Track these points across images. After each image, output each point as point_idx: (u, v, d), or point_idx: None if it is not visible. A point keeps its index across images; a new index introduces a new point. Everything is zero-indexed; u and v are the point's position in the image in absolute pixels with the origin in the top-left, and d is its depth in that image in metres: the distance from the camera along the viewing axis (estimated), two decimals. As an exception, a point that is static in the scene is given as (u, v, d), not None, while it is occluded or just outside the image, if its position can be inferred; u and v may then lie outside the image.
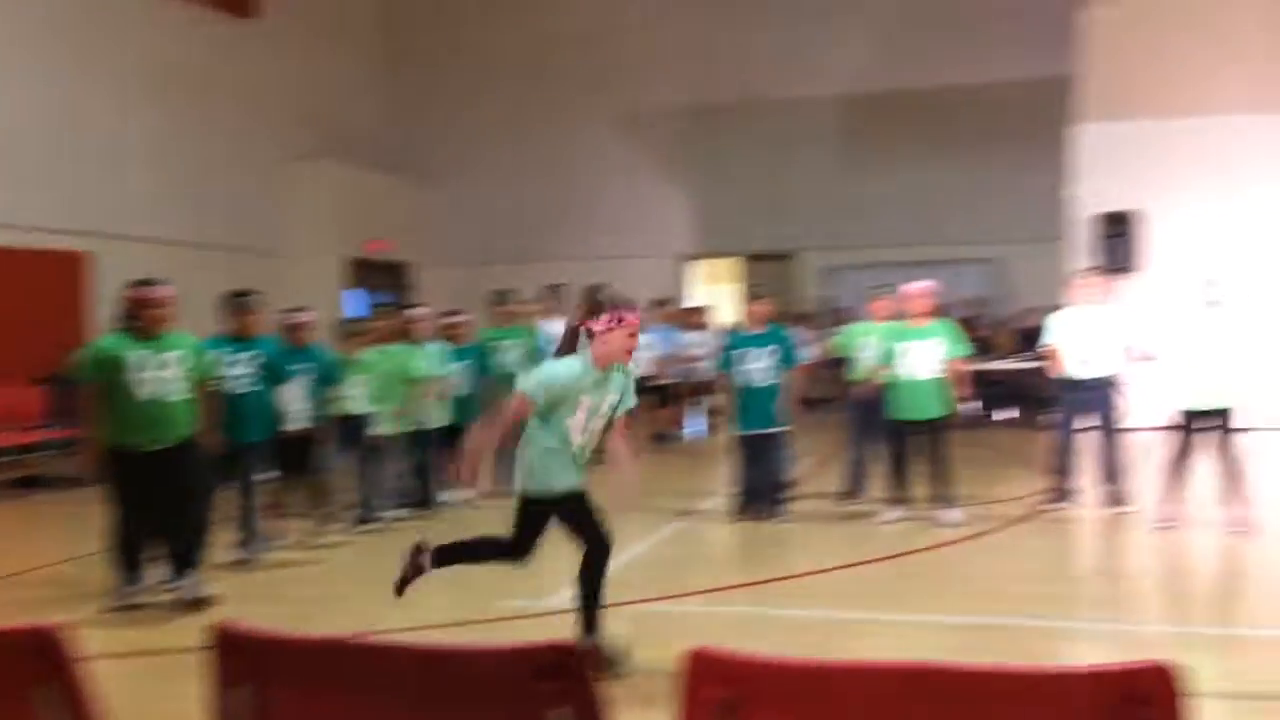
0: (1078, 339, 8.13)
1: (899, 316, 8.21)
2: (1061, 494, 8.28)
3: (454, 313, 9.88)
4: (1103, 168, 13.45)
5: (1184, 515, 7.55)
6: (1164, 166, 13.28)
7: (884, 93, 18.11)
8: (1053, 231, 14.56)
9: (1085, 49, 13.42)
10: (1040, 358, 8.63)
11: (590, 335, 4.71)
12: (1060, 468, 8.29)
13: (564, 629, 4.78)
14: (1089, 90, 13.52)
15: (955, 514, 7.88)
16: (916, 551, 7.22)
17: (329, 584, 6.94)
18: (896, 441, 8.09)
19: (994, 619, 5.69)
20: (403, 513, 8.64)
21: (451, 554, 5.00)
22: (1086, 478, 8.38)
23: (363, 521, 8.31)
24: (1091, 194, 13.49)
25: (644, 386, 12.39)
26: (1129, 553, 7.48)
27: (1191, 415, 7.49)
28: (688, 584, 6.51)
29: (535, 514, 4.80)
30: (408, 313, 9.43)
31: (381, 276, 18.48)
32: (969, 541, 7.47)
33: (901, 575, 6.77)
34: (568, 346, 4.79)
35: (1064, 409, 8.29)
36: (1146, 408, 8.94)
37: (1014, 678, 1.68)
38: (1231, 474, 7.42)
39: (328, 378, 7.95)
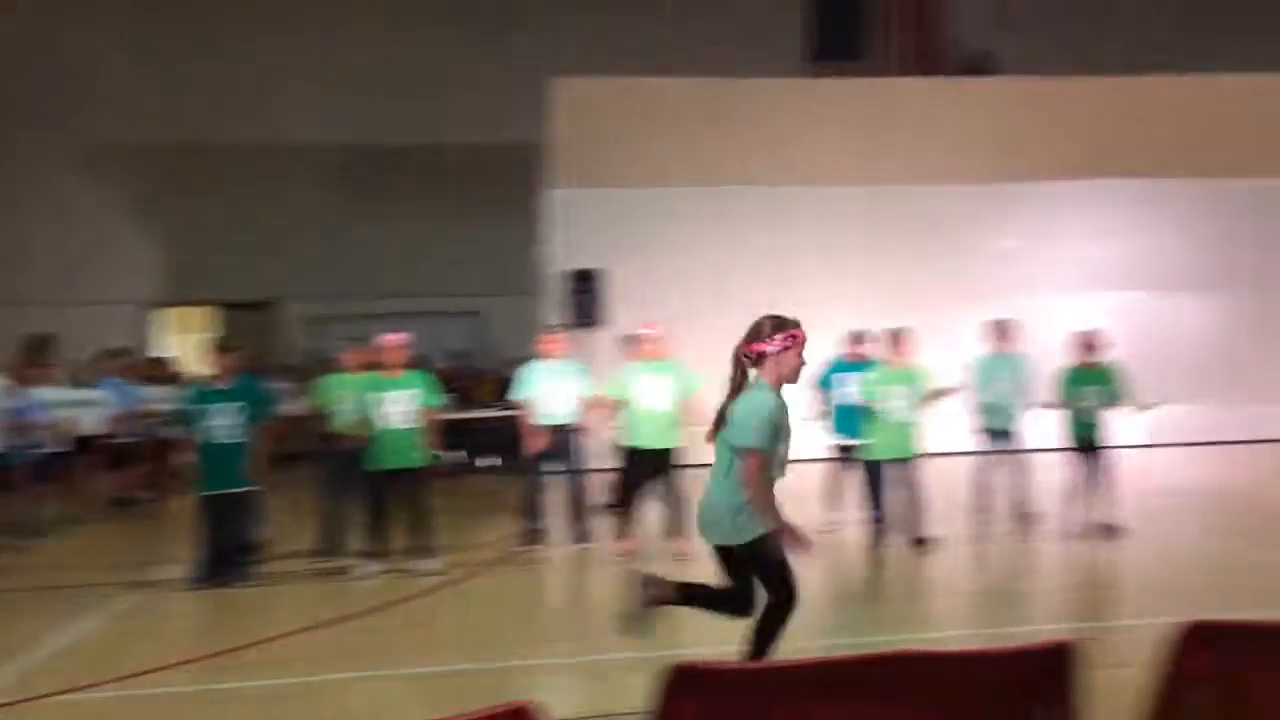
0: (544, 391, 8.60)
1: (374, 367, 8.15)
2: (533, 535, 8.65)
3: None
4: (572, 229, 14.49)
5: (637, 547, 8.22)
6: (623, 230, 14.59)
7: (374, 145, 18.14)
8: (531, 286, 15.37)
9: (554, 119, 14.42)
10: (515, 408, 8.97)
11: (760, 358, 4.57)
12: (531, 510, 8.67)
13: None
14: (560, 157, 14.53)
15: (434, 563, 7.92)
16: (395, 603, 7.12)
17: None
18: (375, 493, 7.97)
19: (471, 665, 5.75)
20: None
21: (692, 595, 4.88)
22: (556, 518, 8.84)
23: None
24: (562, 253, 14.46)
25: (97, 446, 11.23)
26: (594, 587, 7.97)
27: (638, 453, 8.21)
28: (139, 663, 5.84)
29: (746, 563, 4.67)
30: None
31: None
32: (447, 589, 7.53)
33: (379, 630, 6.63)
34: (740, 375, 4.62)
35: (533, 455, 8.69)
36: (607, 451, 9.65)
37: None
38: (675, 508, 8.22)
39: None
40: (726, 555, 4.74)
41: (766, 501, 4.55)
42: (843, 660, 1.72)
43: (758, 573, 4.67)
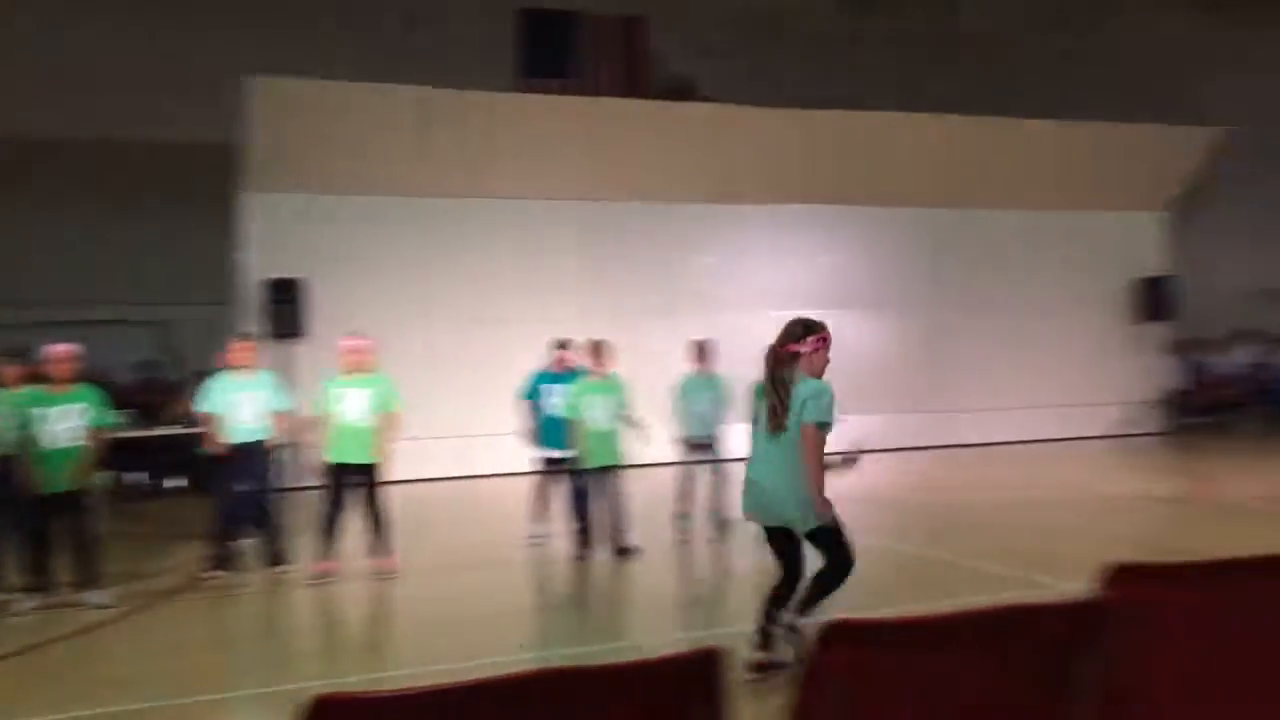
0: (232, 404, 8.09)
1: (38, 381, 7.39)
2: (222, 560, 8.11)
3: None
4: (270, 236, 13.81)
5: (338, 568, 7.92)
6: (326, 238, 14.07)
7: (47, 140, 16.49)
8: (224, 295, 14.51)
9: (253, 120, 13.66)
10: (199, 423, 8.40)
11: (795, 357, 5.01)
12: (221, 533, 8.14)
13: None
14: (256, 160, 13.79)
15: (103, 595, 7.26)
16: (55, 641, 6.49)
17: None
18: (33, 520, 7.21)
19: (140, 705, 5.31)
20: None
21: (814, 601, 5.02)
22: (247, 540, 8.35)
23: None
24: (259, 261, 13.75)
25: None
26: (288, 611, 7.59)
27: (340, 469, 7.94)
28: None
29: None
30: None
31: None
32: (119, 622, 6.94)
33: (36, 671, 6.02)
34: (780, 373, 5.02)
35: (221, 473, 8.16)
36: (303, 468, 9.26)
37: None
38: (377, 524, 8.00)
39: None
40: (786, 535, 5.14)
41: (822, 472, 5.03)
42: (493, 681, 1.70)
43: (830, 544, 5.06)
